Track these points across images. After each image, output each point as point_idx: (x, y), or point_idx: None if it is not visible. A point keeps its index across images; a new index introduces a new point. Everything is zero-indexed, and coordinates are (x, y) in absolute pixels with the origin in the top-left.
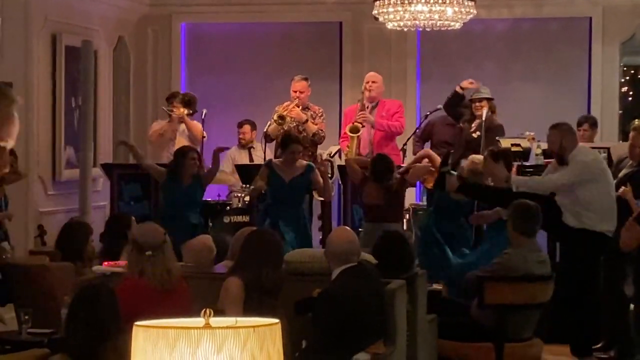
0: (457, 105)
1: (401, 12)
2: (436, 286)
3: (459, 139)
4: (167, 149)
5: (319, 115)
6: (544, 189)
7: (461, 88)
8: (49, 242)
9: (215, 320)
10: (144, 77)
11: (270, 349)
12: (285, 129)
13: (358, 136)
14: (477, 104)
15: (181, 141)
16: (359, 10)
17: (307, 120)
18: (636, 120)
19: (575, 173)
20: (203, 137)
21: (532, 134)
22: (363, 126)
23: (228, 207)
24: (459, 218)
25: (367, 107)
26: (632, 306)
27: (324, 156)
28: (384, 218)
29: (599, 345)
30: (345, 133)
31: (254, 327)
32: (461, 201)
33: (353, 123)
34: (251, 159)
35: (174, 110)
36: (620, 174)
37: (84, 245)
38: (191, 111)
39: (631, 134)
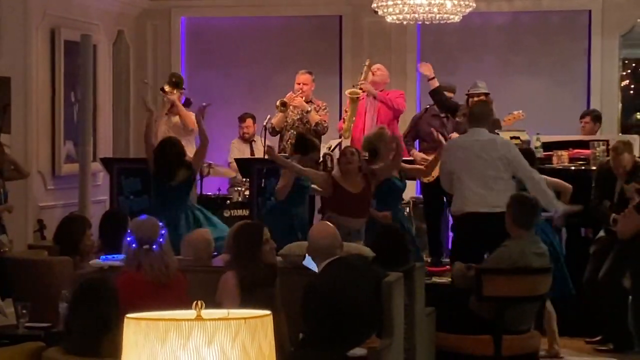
0: (440, 99)
1: (400, 6)
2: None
3: (453, 129)
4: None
5: (322, 108)
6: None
7: (428, 79)
8: (49, 236)
9: (207, 312)
10: (143, 72)
11: (261, 341)
12: (288, 120)
13: (358, 98)
14: (475, 98)
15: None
16: (359, 4)
17: (309, 110)
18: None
19: None
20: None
21: (520, 112)
22: (363, 91)
23: (228, 201)
24: (397, 204)
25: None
26: (630, 298)
27: (323, 150)
28: None
29: (597, 339)
30: (343, 118)
31: (245, 318)
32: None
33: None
34: (252, 153)
35: (167, 96)
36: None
37: (81, 239)
38: (182, 90)
39: (611, 155)
